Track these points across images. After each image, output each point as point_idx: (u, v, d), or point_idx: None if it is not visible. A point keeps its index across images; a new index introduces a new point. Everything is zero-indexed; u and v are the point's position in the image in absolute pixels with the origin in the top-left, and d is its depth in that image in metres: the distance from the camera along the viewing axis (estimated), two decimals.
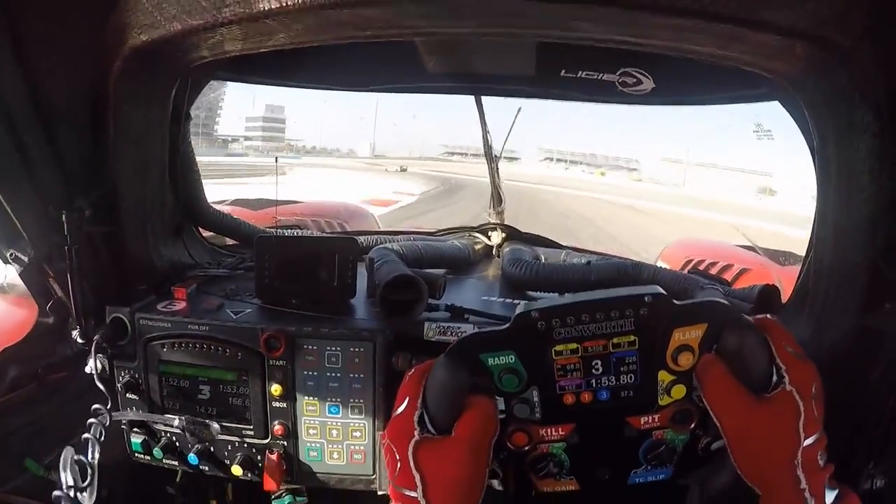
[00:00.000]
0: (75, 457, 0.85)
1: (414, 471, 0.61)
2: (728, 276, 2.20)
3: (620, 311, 0.65)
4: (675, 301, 0.65)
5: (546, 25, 0.73)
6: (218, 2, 0.75)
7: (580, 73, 1.13)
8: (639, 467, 0.73)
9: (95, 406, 0.92)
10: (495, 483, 0.76)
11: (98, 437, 0.89)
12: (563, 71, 1.14)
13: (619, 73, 1.11)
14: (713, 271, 2.32)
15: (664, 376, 0.67)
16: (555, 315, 0.65)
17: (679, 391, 0.68)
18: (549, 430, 0.71)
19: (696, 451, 0.72)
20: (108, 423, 0.92)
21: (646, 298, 0.64)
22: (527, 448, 0.72)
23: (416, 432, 0.63)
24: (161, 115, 1.03)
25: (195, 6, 0.77)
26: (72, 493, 0.81)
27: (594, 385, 0.68)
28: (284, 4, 0.70)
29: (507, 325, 0.66)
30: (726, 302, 0.65)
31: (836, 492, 0.60)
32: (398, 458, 0.63)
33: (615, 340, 0.65)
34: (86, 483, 0.84)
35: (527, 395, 0.69)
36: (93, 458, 0.87)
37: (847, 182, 0.75)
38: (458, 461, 0.62)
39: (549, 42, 0.96)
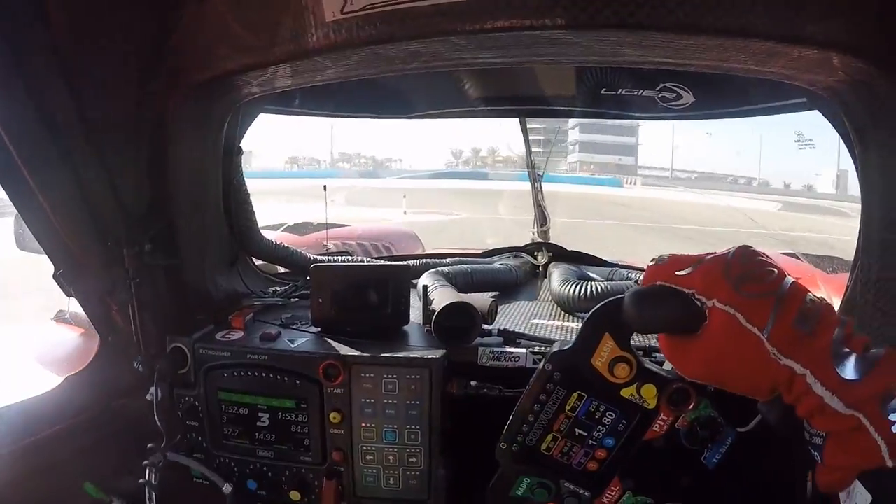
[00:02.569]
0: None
1: None
2: None
3: (544, 391, 0.69)
4: (564, 348, 0.69)
5: (590, 52, 0.75)
6: (269, 41, 0.79)
7: (620, 90, 1.16)
8: (700, 453, 0.72)
9: (150, 445, 0.96)
10: None
11: (153, 480, 0.94)
12: (604, 89, 1.17)
13: (658, 88, 1.13)
14: None
15: (627, 391, 0.68)
16: (515, 433, 0.72)
17: (649, 390, 0.68)
18: (607, 496, 0.74)
19: (728, 398, 0.69)
20: (161, 464, 0.96)
21: (546, 368, 0.69)
22: None
23: None
24: (215, 149, 1.08)
25: (247, 46, 0.82)
26: None
27: (594, 443, 0.71)
28: (333, 42, 0.74)
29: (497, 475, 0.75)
30: (604, 302, 0.65)
31: (853, 357, 0.49)
32: None
33: (568, 407, 0.69)
34: None
35: (563, 495, 0.74)
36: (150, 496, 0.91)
37: (892, 192, 0.76)
38: None
39: None
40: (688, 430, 0.71)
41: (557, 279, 1.26)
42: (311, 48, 0.76)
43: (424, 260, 1.41)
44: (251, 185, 1.20)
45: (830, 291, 1.68)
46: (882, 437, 0.46)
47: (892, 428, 0.46)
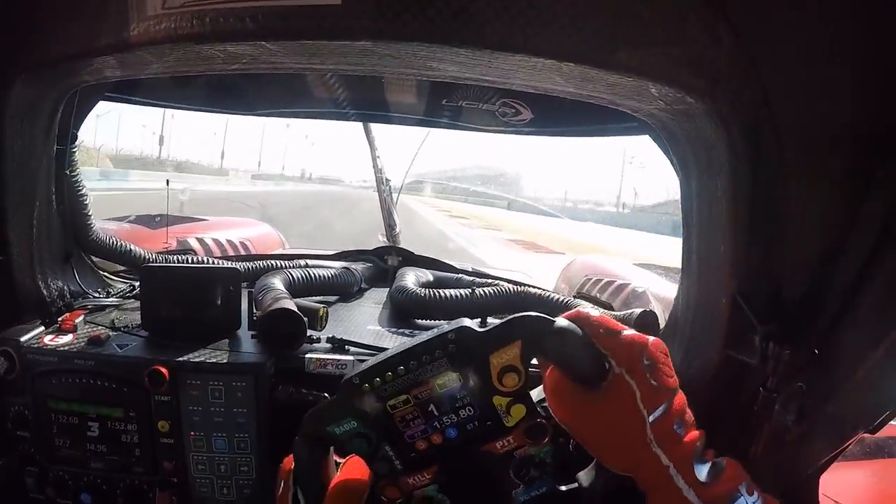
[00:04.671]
0: None
1: None
2: (622, 296, 2.22)
3: (430, 354, 0.66)
4: (477, 329, 0.66)
5: (403, 65, 0.74)
6: (94, 30, 0.78)
7: (461, 102, 1.16)
8: (518, 486, 0.74)
9: None
10: None
11: None
12: (445, 100, 1.17)
13: (498, 103, 1.14)
14: (609, 290, 2.33)
15: (499, 401, 0.68)
16: (374, 375, 0.67)
17: (519, 410, 0.69)
18: (415, 478, 0.72)
19: (566, 456, 0.73)
20: None
21: (449, 335, 0.66)
22: (401, 500, 0.73)
23: None
24: (45, 138, 1.01)
25: (73, 34, 0.81)
26: None
27: (438, 426, 0.69)
28: (154, 37, 0.73)
29: (335, 395, 0.69)
30: (536, 313, 0.66)
31: (708, 464, 0.58)
32: None
33: (438, 381, 0.67)
34: None
35: (381, 453, 0.70)
36: None
37: (708, 218, 0.78)
38: None
39: None
40: (520, 462, 0.72)
41: (395, 286, 1.26)
42: (133, 42, 0.74)
43: (269, 262, 1.36)
44: None
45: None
46: None
47: None
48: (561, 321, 0.63)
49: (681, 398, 0.60)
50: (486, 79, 0.76)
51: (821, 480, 0.73)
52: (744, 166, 0.69)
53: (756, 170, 0.69)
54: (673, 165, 0.86)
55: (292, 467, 0.72)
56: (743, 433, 0.75)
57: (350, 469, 0.72)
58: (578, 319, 0.64)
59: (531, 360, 0.65)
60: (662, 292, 2.17)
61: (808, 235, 0.70)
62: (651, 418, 0.58)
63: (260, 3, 0.66)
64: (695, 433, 0.60)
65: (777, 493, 0.65)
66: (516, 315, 0.65)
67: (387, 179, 1.64)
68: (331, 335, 0.96)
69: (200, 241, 2.59)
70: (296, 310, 0.92)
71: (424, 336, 0.68)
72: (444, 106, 1.19)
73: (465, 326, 0.66)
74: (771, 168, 0.68)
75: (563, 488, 0.72)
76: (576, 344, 0.62)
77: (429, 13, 0.63)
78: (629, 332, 0.62)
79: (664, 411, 0.58)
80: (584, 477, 0.72)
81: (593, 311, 0.65)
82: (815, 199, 0.69)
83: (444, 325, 0.68)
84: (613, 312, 1.11)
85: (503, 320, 0.66)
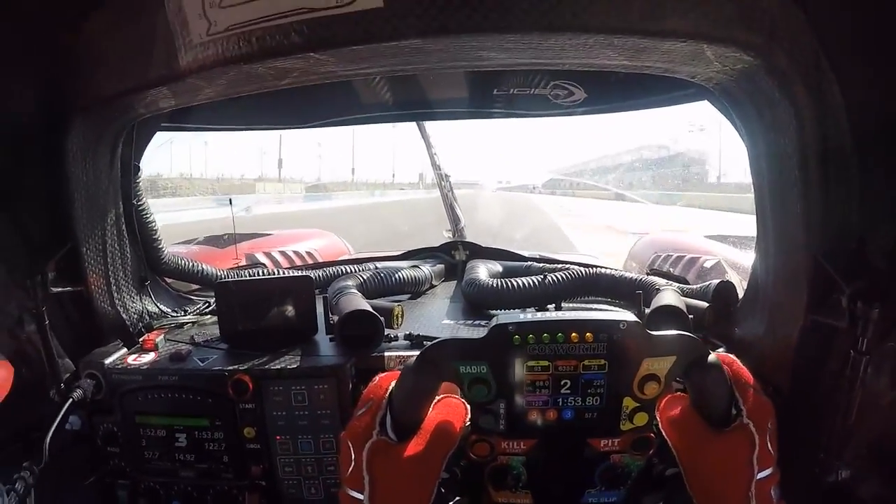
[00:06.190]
0: None
1: (365, 473, 0.62)
2: (695, 269, 2.22)
3: (595, 333, 0.66)
4: (647, 331, 0.67)
5: (454, 58, 0.75)
6: (144, 65, 0.81)
7: (512, 90, 1.16)
8: (593, 488, 0.76)
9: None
10: (450, 493, 0.77)
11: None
12: (496, 90, 1.17)
13: (549, 86, 1.13)
14: (681, 264, 2.32)
15: (629, 402, 0.70)
16: (531, 331, 0.67)
17: (641, 418, 0.71)
18: (511, 444, 0.73)
19: (651, 476, 0.76)
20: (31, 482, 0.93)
21: (621, 325, 0.66)
22: (488, 458, 0.74)
23: (374, 433, 0.64)
24: (110, 170, 1.07)
25: (124, 70, 0.84)
26: None
27: (560, 403, 0.70)
28: (203, 63, 0.75)
29: (483, 335, 0.68)
30: (696, 337, 0.67)
31: None
32: (353, 458, 0.64)
33: (586, 362, 0.67)
34: None
35: (493, 407, 0.70)
36: None
37: (779, 178, 0.77)
38: (408, 471, 0.63)
39: None
40: (610, 467, 0.75)
41: (466, 279, 1.27)
42: (183, 70, 0.77)
43: (339, 267, 1.41)
44: None
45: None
46: None
47: None
48: (713, 356, 0.66)
49: (778, 471, 0.64)
50: (538, 62, 0.76)
51: None
52: (810, 121, 0.68)
53: (823, 123, 0.67)
54: (736, 128, 0.85)
55: (387, 390, 0.68)
56: (834, 401, 0.74)
57: (444, 411, 0.69)
58: (728, 361, 0.68)
59: (675, 378, 0.67)
60: (739, 262, 2.13)
61: (889, 186, 0.68)
62: (759, 476, 0.62)
63: (304, 17, 0.66)
64: (783, 502, 0.64)
65: (874, 460, 0.67)
66: (682, 332, 0.67)
67: (446, 175, 1.67)
68: (407, 332, 1.00)
69: (268, 255, 2.66)
70: (372, 310, 0.97)
71: (594, 315, 0.69)
72: (495, 96, 1.19)
73: (638, 322, 0.67)
74: (838, 121, 0.67)
75: None
76: (720, 383, 0.65)
77: (472, 3, 0.63)
78: (759, 391, 0.66)
79: (770, 474, 0.63)
80: (650, 503, 0.75)
81: (737, 360, 0.68)
82: (892, 144, 0.66)
83: (611, 312, 0.69)
84: (689, 286, 1.11)
85: (666, 333, 0.67)
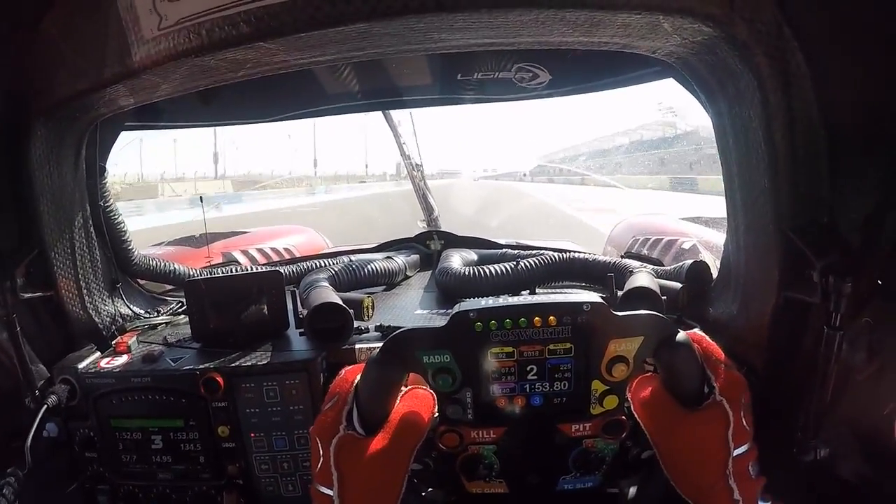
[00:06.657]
0: None
1: (333, 468, 0.61)
2: (672, 252, 2.20)
3: (558, 317, 0.65)
4: (613, 312, 0.66)
5: (405, 41, 0.74)
6: (99, 63, 0.80)
7: (476, 74, 1.15)
8: (568, 474, 0.75)
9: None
10: (423, 484, 0.77)
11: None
12: (459, 75, 1.16)
13: (514, 69, 1.12)
14: (658, 247, 2.30)
15: (597, 385, 0.69)
16: (493, 317, 0.65)
17: (611, 401, 0.69)
18: (480, 432, 0.72)
19: (626, 460, 0.74)
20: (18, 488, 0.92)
21: (584, 307, 0.65)
22: (458, 449, 0.73)
23: (341, 428, 0.63)
24: (75, 173, 1.06)
25: (80, 70, 0.83)
26: None
27: (528, 390, 0.69)
28: (155, 58, 0.75)
29: (445, 324, 0.67)
30: (663, 316, 0.66)
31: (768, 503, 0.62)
32: (321, 454, 0.63)
33: (551, 346, 0.66)
34: None
35: (460, 396, 0.69)
36: None
37: (746, 151, 0.75)
38: (377, 465, 0.62)
39: None
40: (583, 452, 0.74)
41: (439, 268, 1.26)
42: (137, 66, 0.77)
43: (313, 262, 1.40)
44: None
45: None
46: None
47: None
48: (682, 335, 0.64)
49: (755, 446, 0.63)
50: (492, 41, 0.75)
51: None
52: (774, 92, 0.66)
53: (787, 93, 0.66)
54: (701, 103, 0.84)
55: (352, 383, 0.67)
56: (810, 379, 0.72)
57: (411, 403, 0.68)
58: (697, 339, 0.66)
59: (644, 358, 0.66)
60: (714, 243, 2.12)
61: (858, 156, 0.65)
62: (735, 453, 0.61)
63: (251, 6, 0.66)
64: (762, 478, 0.63)
65: (852, 438, 0.65)
66: (648, 312, 0.65)
67: (417, 165, 1.66)
68: (378, 324, 0.99)
69: (245, 252, 2.65)
70: (340, 302, 0.95)
71: (556, 297, 0.67)
72: (459, 81, 1.18)
73: (602, 303, 0.65)
74: (804, 90, 0.65)
75: (609, 491, 0.74)
76: (690, 361, 0.63)
77: None
78: (732, 367, 0.65)
79: (746, 450, 0.62)
80: (626, 487, 0.73)
81: (707, 337, 0.67)
82: (859, 115, 0.64)
83: (577, 294, 0.68)
84: (663, 268, 1.10)
85: (632, 313, 0.65)
